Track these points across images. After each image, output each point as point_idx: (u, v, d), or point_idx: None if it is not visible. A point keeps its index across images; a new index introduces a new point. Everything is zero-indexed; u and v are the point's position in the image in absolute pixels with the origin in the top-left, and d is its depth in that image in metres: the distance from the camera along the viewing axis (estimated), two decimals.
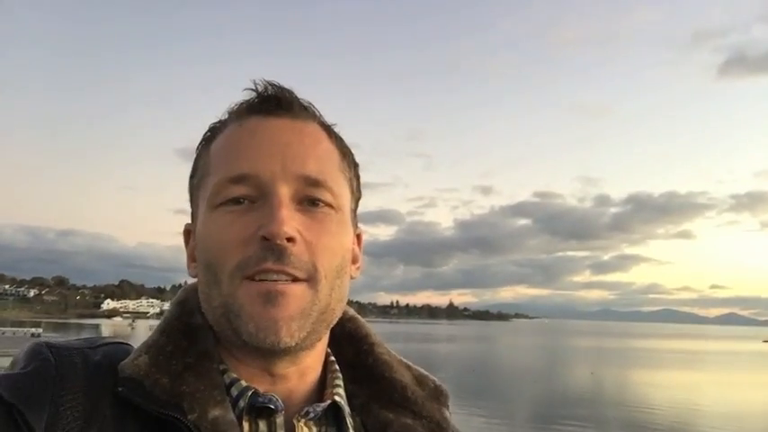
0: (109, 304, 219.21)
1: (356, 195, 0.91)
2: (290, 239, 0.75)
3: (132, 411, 0.72)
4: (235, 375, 0.80)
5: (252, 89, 0.85)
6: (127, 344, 0.85)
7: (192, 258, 0.87)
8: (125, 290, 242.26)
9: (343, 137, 0.90)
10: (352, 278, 0.88)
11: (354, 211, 0.91)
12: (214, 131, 0.87)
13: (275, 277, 0.75)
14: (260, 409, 0.78)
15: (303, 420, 0.80)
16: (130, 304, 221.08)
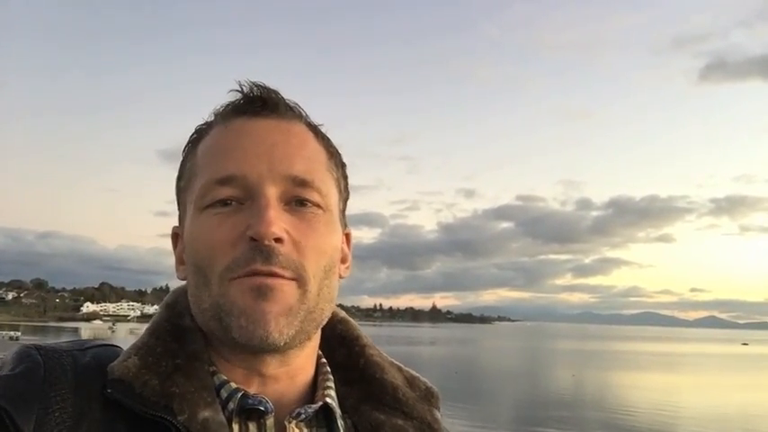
0: (88, 307, 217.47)
1: (344, 195, 0.91)
2: (277, 240, 0.76)
3: (122, 413, 0.72)
4: (225, 377, 0.80)
5: (237, 90, 0.85)
6: (116, 346, 0.85)
7: (180, 261, 0.87)
8: (105, 293, 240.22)
9: (329, 138, 0.90)
10: (341, 277, 0.88)
11: (343, 210, 0.91)
12: (200, 133, 0.87)
13: (264, 279, 0.76)
14: (250, 410, 0.78)
15: (294, 422, 0.79)
16: (110, 307, 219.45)
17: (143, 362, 0.77)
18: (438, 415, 0.94)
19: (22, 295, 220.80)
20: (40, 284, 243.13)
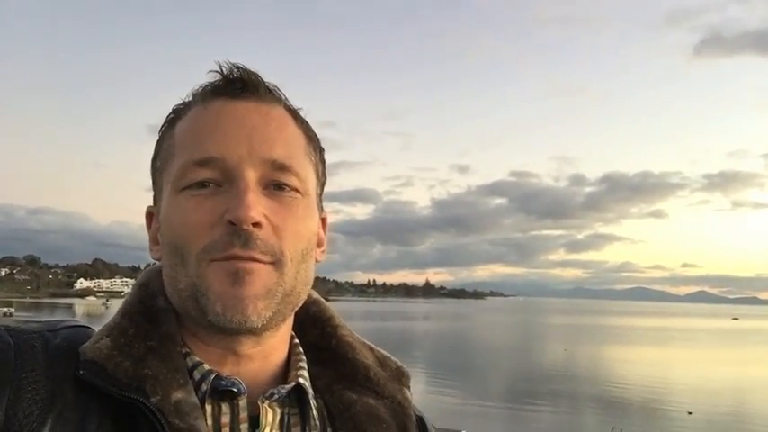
0: (82, 283, 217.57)
1: (321, 180, 0.91)
2: (256, 224, 0.76)
3: (94, 394, 0.72)
4: (198, 359, 0.80)
5: (217, 71, 0.84)
6: (88, 327, 0.84)
7: (154, 241, 0.86)
8: (98, 269, 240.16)
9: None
10: (317, 262, 0.88)
11: (320, 195, 0.91)
12: (178, 113, 0.86)
13: (242, 263, 0.76)
14: (223, 392, 0.79)
15: (267, 402, 0.80)
16: (104, 283, 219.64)
17: (115, 343, 0.77)
18: (408, 394, 0.95)
19: (14, 271, 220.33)
20: (32, 261, 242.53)
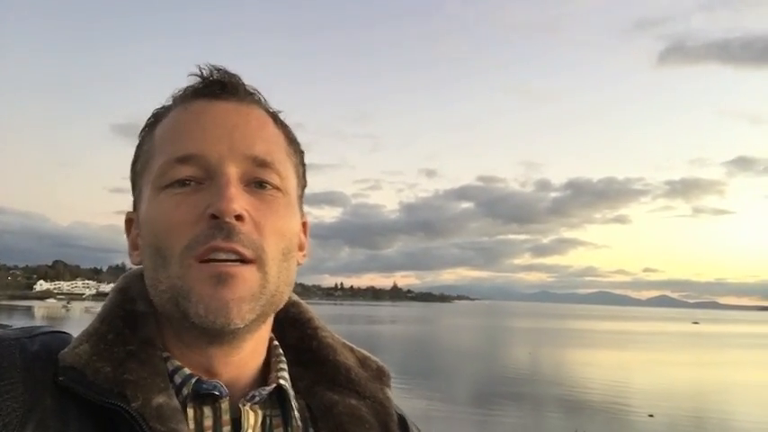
0: (42, 285, 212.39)
1: (302, 182, 0.91)
2: (238, 217, 0.75)
3: (74, 401, 0.71)
4: (178, 363, 0.79)
5: (196, 74, 0.84)
6: (65, 332, 0.83)
7: (134, 247, 0.85)
8: (59, 271, 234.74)
9: (289, 116, 0.89)
10: (298, 264, 0.87)
11: (301, 197, 0.91)
12: (158, 117, 0.86)
13: (224, 256, 0.74)
14: (204, 395, 0.78)
15: (249, 404, 0.79)
16: (65, 285, 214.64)
17: (94, 349, 0.76)
18: (389, 393, 0.95)
19: None
20: None
